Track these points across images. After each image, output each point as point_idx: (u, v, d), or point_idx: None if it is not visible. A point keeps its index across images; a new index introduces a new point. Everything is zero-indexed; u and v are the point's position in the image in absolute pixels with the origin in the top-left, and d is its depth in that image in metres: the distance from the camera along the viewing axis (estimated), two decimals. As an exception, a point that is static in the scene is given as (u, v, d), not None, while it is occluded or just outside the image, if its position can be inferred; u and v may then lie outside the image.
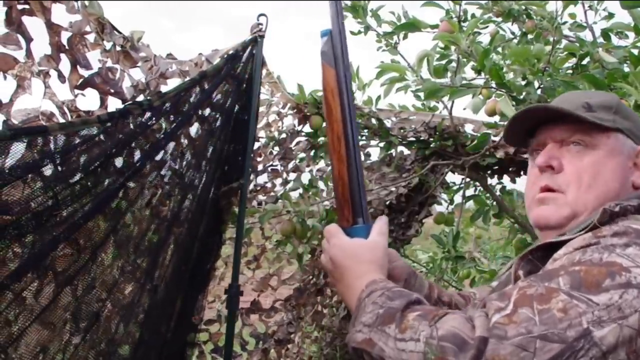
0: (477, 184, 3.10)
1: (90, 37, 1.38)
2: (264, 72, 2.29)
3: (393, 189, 2.87)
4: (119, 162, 1.39)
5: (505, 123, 1.37)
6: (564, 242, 1.06)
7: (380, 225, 1.22)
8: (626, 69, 2.23)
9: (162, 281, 1.58)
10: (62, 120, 1.33)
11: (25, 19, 1.20)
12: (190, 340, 2.08)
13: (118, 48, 1.43)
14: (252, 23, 2.14)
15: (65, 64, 1.35)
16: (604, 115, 1.16)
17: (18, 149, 1.11)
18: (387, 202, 2.89)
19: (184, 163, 1.71)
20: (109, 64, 1.43)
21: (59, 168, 1.21)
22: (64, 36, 1.31)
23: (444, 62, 2.52)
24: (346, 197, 1.24)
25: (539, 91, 2.31)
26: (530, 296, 0.92)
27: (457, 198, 3.13)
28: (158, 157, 1.56)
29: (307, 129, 2.82)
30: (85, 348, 1.36)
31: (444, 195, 3.18)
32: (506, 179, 2.97)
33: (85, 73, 1.37)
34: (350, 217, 1.24)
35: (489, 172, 2.93)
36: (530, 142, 1.25)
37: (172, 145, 1.62)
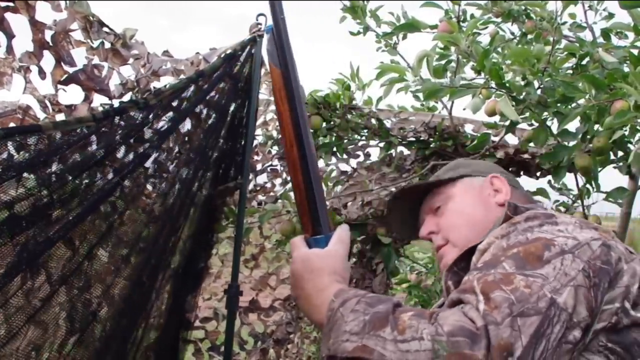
0: (477, 184, 3.09)
1: (79, 35, 1.38)
2: (262, 71, 2.29)
3: (393, 189, 2.86)
4: (113, 160, 1.39)
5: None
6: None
7: (340, 233, 1.20)
8: (626, 69, 2.22)
9: (153, 278, 1.58)
10: (40, 114, 1.33)
11: (9, 16, 1.20)
12: (183, 337, 2.08)
13: (107, 45, 1.43)
14: (248, 22, 2.14)
15: (47, 61, 1.36)
16: (447, 174, 1.44)
17: (11, 148, 1.12)
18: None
19: (180, 162, 1.71)
20: (97, 61, 1.43)
21: (53, 167, 1.21)
22: (49, 33, 1.32)
23: (443, 62, 2.51)
24: (304, 206, 1.20)
25: (538, 91, 2.30)
26: (493, 282, 0.99)
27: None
28: (153, 156, 1.56)
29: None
30: (76, 345, 1.36)
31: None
32: (506, 180, 2.97)
33: (70, 70, 1.37)
34: (310, 227, 1.20)
35: (489, 172, 2.92)
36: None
37: (167, 143, 1.63)
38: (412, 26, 2.54)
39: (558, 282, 0.98)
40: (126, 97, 1.55)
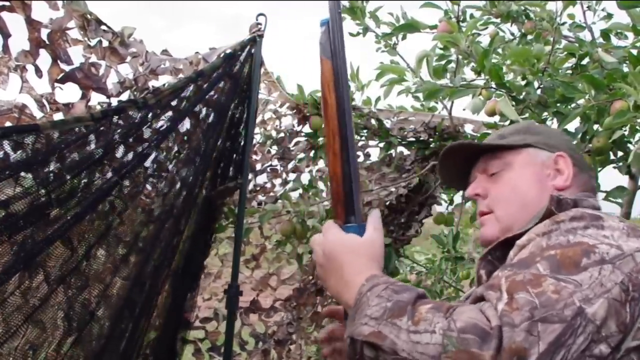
0: (477, 184, 3.08)
1: (76, 34, 1.38)
2: (262, 71, 2.29)
3: (393, 189, 2.86)
4: (112, 159, 1.39)
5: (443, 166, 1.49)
6: (520, 236, 1.14)
7: (374, 221, 1.19)
8: (625, 69, 2.22)
9: (152, 278, 1.58)
10: (37, 113, 1.33)
11: (5, 15, 1.21)
12: (182, 337, 2.08)
13: (105, 44, 1.43)
14: (244, 22, 2.14)
15: (44, 60, 1.36)
16: (513, 138, 1.34)
17: (9, 147, 1.12)
18: (387, 203, 2.89)
19: (179, 161, 1.71)
20: (94, 59, 1.43)
21: (51, 166, 1.21)
22: (45, 32, 1.32)
23: (443, 62, 2.52)
24: (340, 195, 1.22)
25: (538, 91, 2.30)
26: (521, 282, 0.95)
27: (457, 198, 3.12)
28: (152, 155, 1.56)
29: (306, 129, 2.82)
30: (74, 344, 1.36)
31: (444, 196, 3.17)
32: (506, 180, 2.96)
33: (67, 68, 1.37)
34: (343, 215, 1.21)
35: (489, 172, 2.91)
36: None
37: (167, 143, 1.63)
38: (412, 27, 2.54)
39: (591, 292, 0.94)
40: (124, 96, 1.55)
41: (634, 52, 2.22)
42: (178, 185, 1.75)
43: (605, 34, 2.48)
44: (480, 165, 1.36)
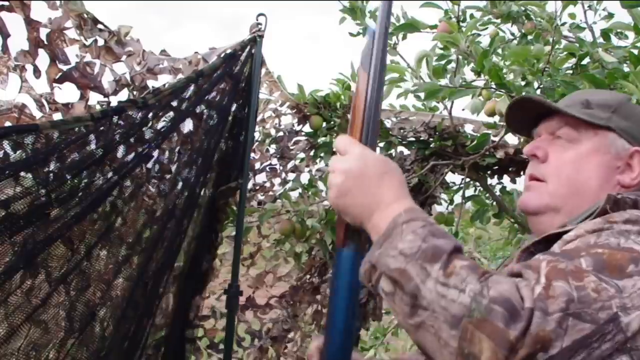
0: (477, 184, 3.09)
1: (73, 33, 1.39)
2: (263, 71, 2.29)
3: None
4: (112, 159, 1.39)
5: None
6: (568, 231, 1.05)
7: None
8: (626, 69, 2.21)
9: (154, 278, 1.58)
10: (37, 113, 1.33)
11: (4, 15, 1.21)
12: (189, 337, 2.08)
13: (100, 43, 1.43)
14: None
15: (42, 60, 1.36)
16: (597, 113, 1.17)
17: (9, 147, 1.12)
18: (387, 202, 2.88)
19: (179, 161, 1.71)
20: (89, 58, 1.43)
21: (51, 166, 1.21)
22: (44, 32, 1.32)
23: (443, 62, 2.51)
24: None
25: (538, 91, 2.30)
26: (562, 270, 0.88)
27: (457, 198, 3.12)
28: (153, 155, 1.56)
29: (307, 128, 2.82)
30: (77, 344, 1.36)
31: (444, 196, 3.17)
32: (506, 179, 2.96)
33: (64, 68, 1.37)
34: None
35: (488, 172, 2.92)
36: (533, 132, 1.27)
37: (167, 143, 1.63)
38: (412, 26, 2.53)
39: (630, 301, 0.88)
40: (121, 94, 1.55)
41: (635, 51, 2.22)
42: (179, 186, 1.75)
43: (605, 33, 2.48)
44: (551, 123, 1.22)
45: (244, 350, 2.59)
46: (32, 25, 1.27)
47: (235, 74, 2.06)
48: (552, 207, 1.16)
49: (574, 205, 1.14)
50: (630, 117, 1.19)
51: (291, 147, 2.72)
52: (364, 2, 2.67)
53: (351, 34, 2.74)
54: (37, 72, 1.32)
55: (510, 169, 2.88)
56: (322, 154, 2.84)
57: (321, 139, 2.83)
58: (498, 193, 3.00)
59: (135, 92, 1.50)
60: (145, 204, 1.58)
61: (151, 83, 1.64)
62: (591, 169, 1.16)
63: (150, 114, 1.51)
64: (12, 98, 1.28)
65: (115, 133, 1.37)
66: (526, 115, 1.26)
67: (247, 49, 2.15)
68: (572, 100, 1.22)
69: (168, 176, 1.66)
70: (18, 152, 1.14)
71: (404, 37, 2.68)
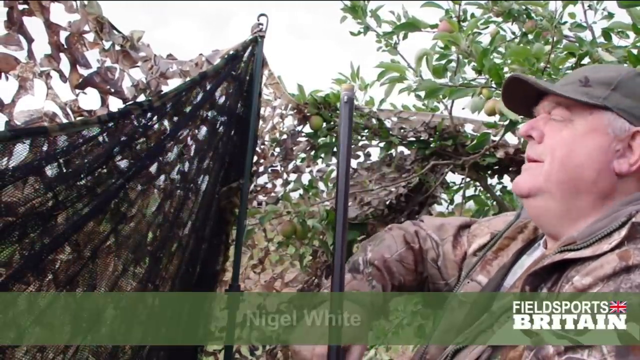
0: (477, 183, 3.09)
1: (90, 37, 1.37)
2: (266, 72, 2.29)
3: (393, 189, 2.86)
4: (120, 162, 1.38)
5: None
6: (576, 260, 0.98)
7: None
8: (626, 69, 2.22)
9: (166, 283, 1.58)
10: (65, 121, 1.32)
11: (25, 19, 1.19)
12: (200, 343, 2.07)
13: (117, 47, 1.42)
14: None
15: (65, 64, 1.34)
16: (594, 91, 1.08)
17: (19, 150, 1.11)
18: (387, 202, 2.88)
19: (186, 164, 1.71)
20: (108, 63, 1.42)
21: (60, 169, 1.20)
22: (63, 36, 1.30)
23: (443, 61, 2.52)
24: None
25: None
26: None
27: (457, 198, 3.13)
28: (160, 158, 1.55)
29: (307, 129, 2.82)
30: (87, 350, 1.35)
31: (444, 195, 3.18)
32: (506, 179, 2.98)
33: (85, 72, 1.36)
34: None
35: (489, 172, 2.92)
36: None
37: (173, 145, 1.62)
38: (413, 25, 2.54)
39: None
40: (140, 99, 1.54)
41: (634, 51, 2.23)
42: (186, 188, 1.74)
43: (606, 33, 2.49)
44: (545, 104, 1.15)
45: (256, 358, 2.58)
46: (52, 28, 1.25)
47: (238, 75, 2.05)
48: (546, 190, 1.09)
49: (570, 194, 1.07)
50: (631, 95, 1.08)
51: (293, 148, 2.71)
52: (365, 1, 2.67)
53: (352, 33, 2.74)
54: (63, 77, 1.30)
55: (510, 169, 2.89)
56: (322, 155, 2.84)
57: (321, 139, 2.83)
58: (498, 193, 3.01)
59: (151, 97, 1.49)
60: (152, 206, 1.57)
61: (165, 88, 1.63)
62: (586, 152, 1.06)
63: (156, 117, 1.50)
64: (41, 106, 1.26)
65: (122, 136, 1.36)
66: (527, 94, 1.18)
67: (248, 50, 2.14)
68: (572, 77, 1.15)
69: (175, 178, 1.65)
70: (27, 154, 1.13)
71: (405, 37, 2.68)
